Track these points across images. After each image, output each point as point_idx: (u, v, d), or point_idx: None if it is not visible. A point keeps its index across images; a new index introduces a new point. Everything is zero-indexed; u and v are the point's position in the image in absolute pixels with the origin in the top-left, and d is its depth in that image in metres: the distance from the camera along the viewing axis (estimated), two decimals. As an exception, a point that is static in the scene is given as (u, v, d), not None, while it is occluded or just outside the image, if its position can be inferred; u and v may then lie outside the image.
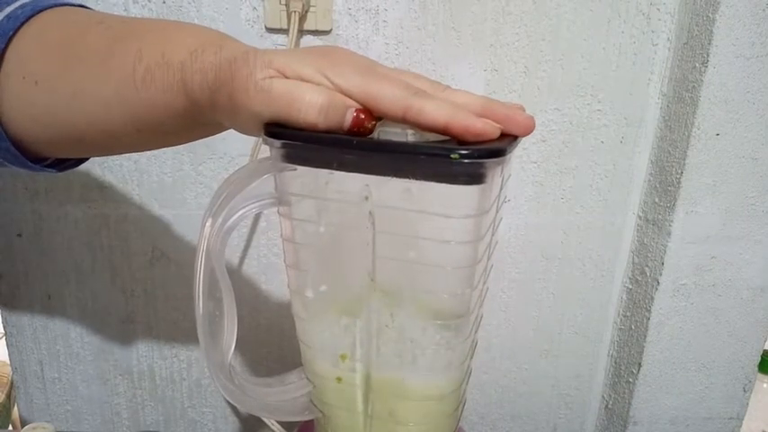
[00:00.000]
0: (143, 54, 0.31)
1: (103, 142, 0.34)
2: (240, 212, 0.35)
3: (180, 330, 0.66)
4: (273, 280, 0.64)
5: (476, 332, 0.41)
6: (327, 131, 0.29)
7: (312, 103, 0.27)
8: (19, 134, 0.33)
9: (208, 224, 0.34)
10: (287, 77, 0.28)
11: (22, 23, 0.32)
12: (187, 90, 0.30)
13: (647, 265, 0.63)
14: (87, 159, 0.40)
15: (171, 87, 0.30)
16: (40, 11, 0.33)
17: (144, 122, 0.32)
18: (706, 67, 0.55)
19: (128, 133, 0.33)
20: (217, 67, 0.29)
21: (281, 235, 0.37)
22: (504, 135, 0.30)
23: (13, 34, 0.32)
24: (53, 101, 0.32)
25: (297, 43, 0.56)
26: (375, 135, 0.30)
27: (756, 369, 0.67)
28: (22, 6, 0.33)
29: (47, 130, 0.33)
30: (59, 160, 0.38)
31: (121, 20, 0.34)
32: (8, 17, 0.32)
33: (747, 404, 0.69)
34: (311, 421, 0.43)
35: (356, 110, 0.28)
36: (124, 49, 0.31)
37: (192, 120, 0.32)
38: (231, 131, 0.61)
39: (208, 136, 0.37)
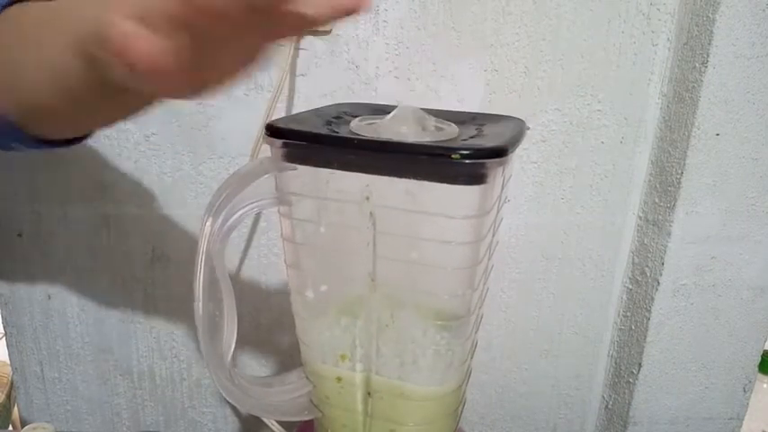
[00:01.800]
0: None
1: (52, 117, 0.35)
2: (240, 212, 0.35)
3: (180, 330, 0.66)
4: (273, 280, 0.64)
5: (476, 333, 0.41)
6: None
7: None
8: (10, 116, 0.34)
9: (208, 224, 0.34)
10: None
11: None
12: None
13: (647, 266, 0.63)
14: (78, 141, 0.40)
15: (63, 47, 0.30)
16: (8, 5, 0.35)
17: (61, 91, 0.32)
18: (706, 67, 0.55)
19: (56, 105, 0.33)
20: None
21: (282, 235, 0.37)
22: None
23: None
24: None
25: (296, 43, 0.56)
26: (375, 134, 0.30)
27: (756, 369, 0.67)
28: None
29: (13, 109, 0.34)
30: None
31: (44, 5, 0.34)
32: None
33: (747, 404, 0.69)
34: (311, 421, 0.43)
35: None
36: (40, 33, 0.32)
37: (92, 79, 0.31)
38: (231, 132, 0.61)
39: (139, 106, 0.34)
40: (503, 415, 0.72)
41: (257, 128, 0.55)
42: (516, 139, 0.31)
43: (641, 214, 0.64)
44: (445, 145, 0.29)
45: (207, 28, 0.25)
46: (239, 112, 0.58)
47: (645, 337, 0.64)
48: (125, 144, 0.58)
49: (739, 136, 0.57)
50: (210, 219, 0.34)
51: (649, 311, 0.63)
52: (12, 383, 0.95)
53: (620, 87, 0.60)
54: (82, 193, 0.60)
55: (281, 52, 0.55)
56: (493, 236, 0.36)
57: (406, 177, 0.29)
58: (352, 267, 0.36)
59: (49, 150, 0.38)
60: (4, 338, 0.66)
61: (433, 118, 0.31)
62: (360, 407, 0.39)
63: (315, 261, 0.37)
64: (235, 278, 0.64)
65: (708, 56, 0.54)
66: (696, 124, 0.56)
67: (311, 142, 0.30)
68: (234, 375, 0.38)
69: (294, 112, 0.59)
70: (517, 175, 0.62)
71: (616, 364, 0.69)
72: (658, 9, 0.57)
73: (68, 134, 0.39)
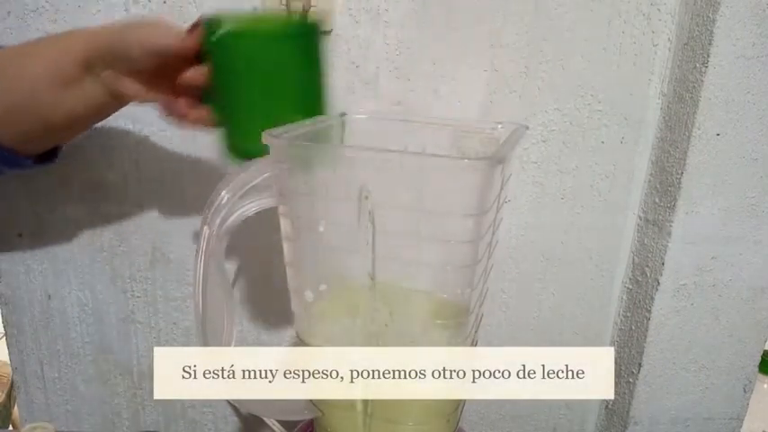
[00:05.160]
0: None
1: (48, 133, 0.45)
2: (240, 211, 0.35)
3: (180, 330, 0.66)
4: (273, 280, 0.64)
5: (476, 332, 0.41)
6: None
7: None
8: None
9: (207, 223, 0.35)
10: None
11: None
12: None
13: (647, 266, 0.63)
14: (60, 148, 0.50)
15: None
16: None
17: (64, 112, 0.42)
18: (706, 67, 0.55)
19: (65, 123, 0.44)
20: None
21: (282, 234, 0.37)
22: None
23: None
24: None
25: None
26: None
27: (757, 369, 0.67)
28: None
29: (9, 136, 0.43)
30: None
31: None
32: None
33: (748, 405, 0.69)
34: (311, 421, 0.43)
35: None
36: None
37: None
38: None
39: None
40: (503, 415, 0.72)
41: (257, 128, 0.55)
42: None
43: (641, 214, 0.64)
44: None
45: None
46: (239, 111, 0.58)
47: (645, 337, 0.64)
48: (125, 144, 0.59)
49: (739, 136, 0.57)
50: (210, 218, 0.34)
51: (649, 311, 0.63)
52: (12, 383, 0.95)
53: (620, 87, 0.60)
54: (82, 192, 0.60)
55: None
56: (492, 235, 0.36)
57: None
58: (352, 266, 0.36)
59: (33, 168, 0.46)
60: (4, 338, 0.66)
61: None
62: (360, 406, 0.39)
63: (314, 260, 0.37)
64: (234, 278, 0.64)
65: (708, 56, 0.54)
66: (696, 124, 0.56)
67: None
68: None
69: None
70: (517, 175, 0.62)
71: (616, 364, 0.69)
72: (659, 9, 0.58)
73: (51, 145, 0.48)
